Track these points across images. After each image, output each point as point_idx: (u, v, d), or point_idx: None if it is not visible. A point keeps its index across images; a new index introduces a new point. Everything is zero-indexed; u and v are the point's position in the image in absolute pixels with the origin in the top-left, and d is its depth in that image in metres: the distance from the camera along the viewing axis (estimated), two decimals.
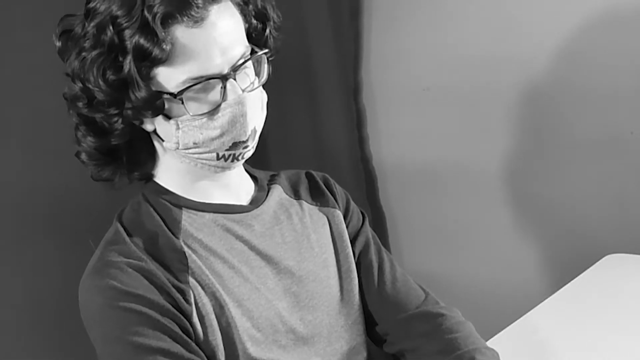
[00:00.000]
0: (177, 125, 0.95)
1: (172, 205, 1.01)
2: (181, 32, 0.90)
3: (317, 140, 2.09)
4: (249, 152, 1.00)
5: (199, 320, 0.95)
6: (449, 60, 1.95)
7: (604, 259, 1.61)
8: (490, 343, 1.12)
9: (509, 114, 1.87)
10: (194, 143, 0.96)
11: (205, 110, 0.94)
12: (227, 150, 0.97)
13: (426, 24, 1.98)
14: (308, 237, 1.09)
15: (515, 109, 1.86)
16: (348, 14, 2.09)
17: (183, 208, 1.01)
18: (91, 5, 0.92)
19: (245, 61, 0.96)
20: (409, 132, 2.10)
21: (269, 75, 1.01)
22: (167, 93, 0.92)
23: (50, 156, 1.48)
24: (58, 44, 0.96)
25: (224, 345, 0.97)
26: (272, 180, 1.13)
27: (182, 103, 0.93)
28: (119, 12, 0.89)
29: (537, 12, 1.76)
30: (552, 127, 1.81)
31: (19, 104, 1.48)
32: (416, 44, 2.01)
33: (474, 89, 1.91)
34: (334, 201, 1.15)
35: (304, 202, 1.13)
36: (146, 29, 0.88)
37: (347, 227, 1.14)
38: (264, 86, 1.02)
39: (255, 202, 1.08)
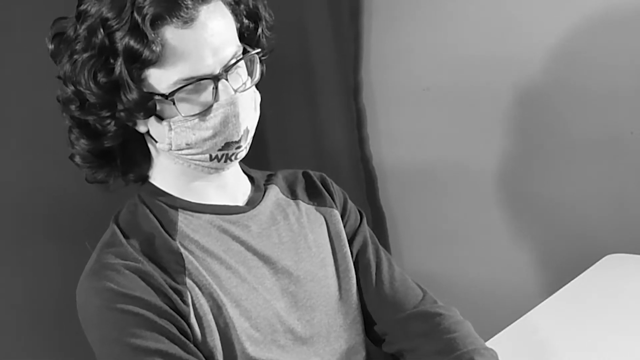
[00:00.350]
0: (170, 126, 0.95)
1: (167, 206, 1.01)
2: (171, 33, 0.90)
3: (317, 140, 2.08)
4: (242, 153, 0.99)
5: (197, 321, 0.95)
6: (449, 60, 1.95)
7: (604, 259, 1.61)
8: (490, 343, 1.12)
9: (508, 114, 1.87)
10: (187, 144, 0.95)
11: (197, 111, 0.93)
12: (219, 150, 0.97)
13: (426, 24, 1.98)
14: (305, 237, 1.09)
15: (515, 109, 1.85)
16: (348, 14, 2.09)
17: (179, 209, 1.01)
18: (82, 7, 0.92)
19: (237, 61, 0.95)
20: (409, 132, 2.10)
21: (262, 75, 1.01)
22: (159, 94, 0.92)
23: (50, 157, 1.47)
24: (51, 46, 0.96)
25: (222, 345, 0.96)
26: (268, 181, 1.13)
27: (174, 104, 0.93)
28: (109, 15, 0.89)
29: (536, 12, 1.76)
30: (552, 127, 1.80)
31: (19, 104, 1.48)
32: (416, 44, 2.01)
33: (474, 89, 1.91)
34: (331, 201, 1.15)
35: (300, 202, 1.13)
36: (136, 30, 0.88)
37: (344, 226, 1.14)
38: (261, 86, 1.01)
39: (252, 203, 1.07)
